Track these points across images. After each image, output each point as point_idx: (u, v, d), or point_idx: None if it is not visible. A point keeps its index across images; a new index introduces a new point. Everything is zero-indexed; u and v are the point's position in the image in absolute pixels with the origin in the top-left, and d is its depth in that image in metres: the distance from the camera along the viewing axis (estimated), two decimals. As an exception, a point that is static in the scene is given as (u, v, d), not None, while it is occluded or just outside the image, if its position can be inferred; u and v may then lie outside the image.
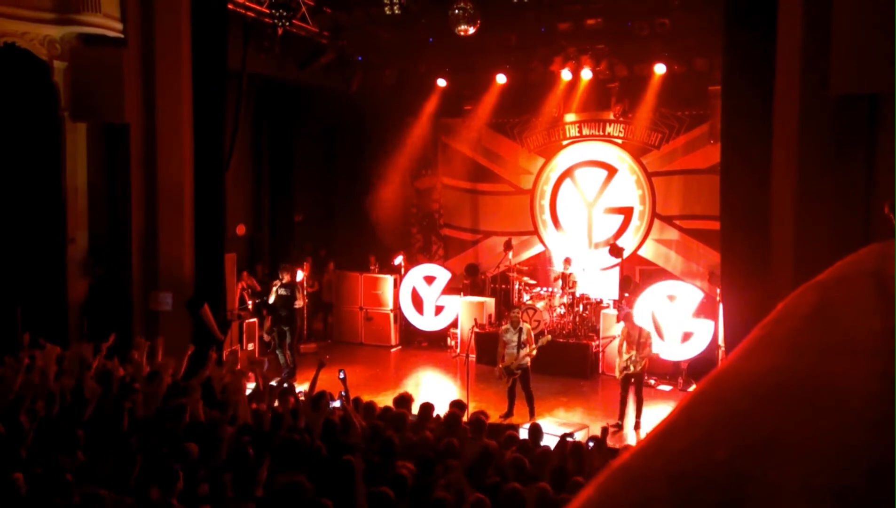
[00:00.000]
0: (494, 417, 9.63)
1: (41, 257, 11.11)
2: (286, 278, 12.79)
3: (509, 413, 10.78)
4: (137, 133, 11.26)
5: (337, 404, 7.84)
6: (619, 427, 10.48)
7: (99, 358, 8.84)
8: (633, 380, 10.69)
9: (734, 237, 10.00)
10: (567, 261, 14.28)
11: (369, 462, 5.81)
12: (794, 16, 8.85)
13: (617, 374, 10.88)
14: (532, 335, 10.97)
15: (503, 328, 11.24)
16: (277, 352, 12.76)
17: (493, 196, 16.63)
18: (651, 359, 12.73)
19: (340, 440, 6.47)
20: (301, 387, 9.95)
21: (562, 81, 14.98)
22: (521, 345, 10.73)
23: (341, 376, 8.62)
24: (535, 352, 10.80)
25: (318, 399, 7.73)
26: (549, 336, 11.46)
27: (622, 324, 11.26)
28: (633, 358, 10.60)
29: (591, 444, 7.18)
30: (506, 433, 7.30)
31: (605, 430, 7.69)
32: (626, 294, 13.22)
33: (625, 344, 10.81)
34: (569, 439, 7.54)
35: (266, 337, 13.46)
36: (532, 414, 10.59)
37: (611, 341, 12.21)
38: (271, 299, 12.91)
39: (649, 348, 10.84)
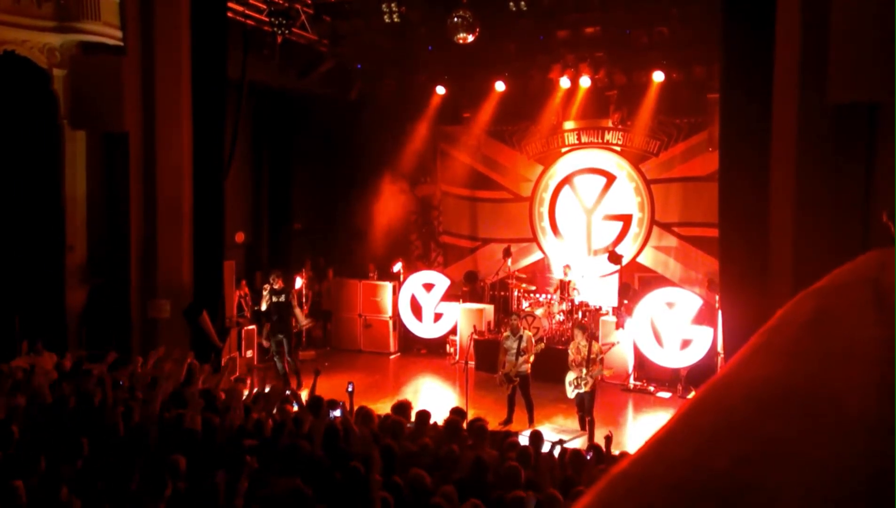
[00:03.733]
0: (493, 424, 9.61)
1: (40, 265, 11.10)
2: (278, 284, 12.63)
3: (508, 421, 10.76)
4: (136, 141, 11.28)
5: (337, 413, 7.82)
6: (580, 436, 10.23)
7: (101, 367, 8.82)
8: (585, 399, 10.29)
9: (733, 245, 10.01)
10: (566, 268, 14.28)
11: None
12: (792, 24, 8.88)
13: (568, 393, 10.46)
14: (532, 342, 10.95)
15: (504, 335, 11.24)
16: (276, 360, 12.68)
17: (492, 203, 16.63)
18: (654, 367, 12.78)
19: (340, 447, 6.45)
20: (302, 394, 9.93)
21: (560, 88, 15.01)
22: (520, 352, 10.71)
23: (349, 389, 8.61)
24: (531, 359, 10.77)
25: (315, 406, 7.71)
26: (543, 344, 11.41)
27: (573, 338, 10.79)
28: (583, 377, 10.23)
29: (589, 455, 7.15)
30: (507, 441, 7.28)
31: (608, 438, 7.68)
32: (626, 301, 13.21)
33: (573, 360, 10.39)
34: (560, 445, 7.53)
35: (265, 343, 13.32)
36: (531, 421, 10.56)
37: (610, 347, 12.18)
38: (263, 306, 12.76)
39: (600, 366, 10.41)
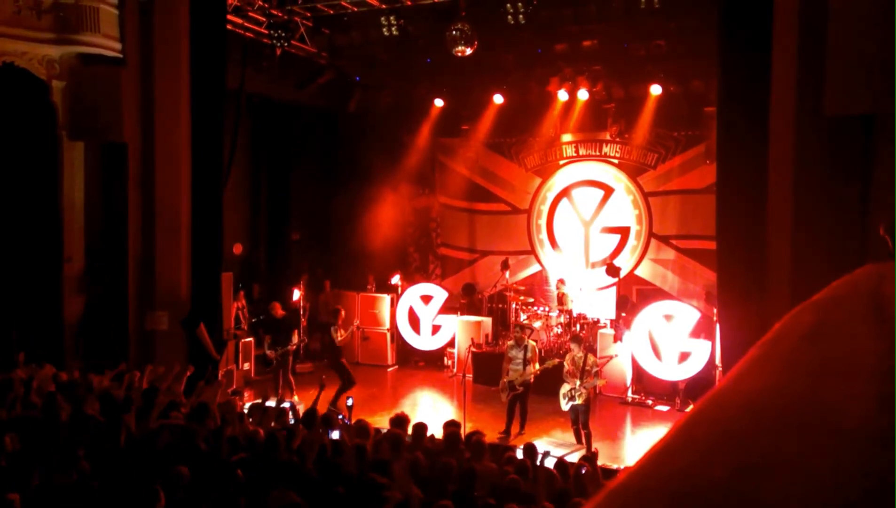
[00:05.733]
0: (492, 436, 9.59)
1: (37, 275, 11.08)
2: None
3: (507, 432, 10.73)
4: (135, 152, 11.29)
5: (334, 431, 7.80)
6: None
7: (100, 380, 8.80)
8: (580, 412, 10.20)
9: (731, 257, 10.01)
10: (561, 281, 14.29)
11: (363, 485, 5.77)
12: (789, 36, 8.92)
13: (562, 405, 10.40)
14: (537, 351, 10.95)
15: (508, 343, 11.25)
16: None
17: (491, 216, 16.65)
18: (652, 380, 12.74)
19: (334, 462, 6.42)
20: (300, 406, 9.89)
21: (558, 101, 15.06)
22: (526, 362, 10.72)
23: (349, 403, 8.62)
24: (537, 367, 10.74)
25: (311, 417, 7.69)
26: (556, 360, 11.23)
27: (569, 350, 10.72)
28: (577, 388, 10.17)
29: (583, 470, 7.11)
30: (506, 455, 7.26)
31: (595, 453, 7.67)
32: (624, 314, 13.20)
33: (568, 371, 10.33)
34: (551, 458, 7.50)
35: (269, 354, 13.00)
36: (522, 429, 10.59)
37: (607, 361, 12.16)
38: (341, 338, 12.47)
39: (595, 378, 10.36)
